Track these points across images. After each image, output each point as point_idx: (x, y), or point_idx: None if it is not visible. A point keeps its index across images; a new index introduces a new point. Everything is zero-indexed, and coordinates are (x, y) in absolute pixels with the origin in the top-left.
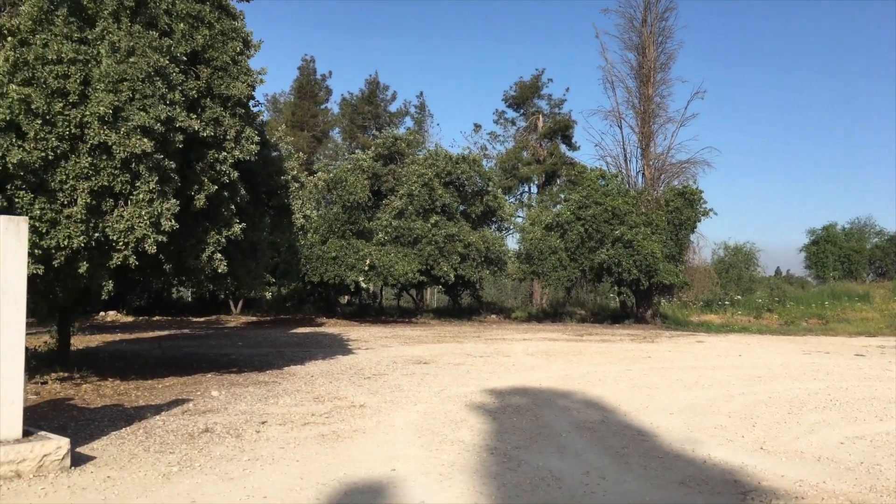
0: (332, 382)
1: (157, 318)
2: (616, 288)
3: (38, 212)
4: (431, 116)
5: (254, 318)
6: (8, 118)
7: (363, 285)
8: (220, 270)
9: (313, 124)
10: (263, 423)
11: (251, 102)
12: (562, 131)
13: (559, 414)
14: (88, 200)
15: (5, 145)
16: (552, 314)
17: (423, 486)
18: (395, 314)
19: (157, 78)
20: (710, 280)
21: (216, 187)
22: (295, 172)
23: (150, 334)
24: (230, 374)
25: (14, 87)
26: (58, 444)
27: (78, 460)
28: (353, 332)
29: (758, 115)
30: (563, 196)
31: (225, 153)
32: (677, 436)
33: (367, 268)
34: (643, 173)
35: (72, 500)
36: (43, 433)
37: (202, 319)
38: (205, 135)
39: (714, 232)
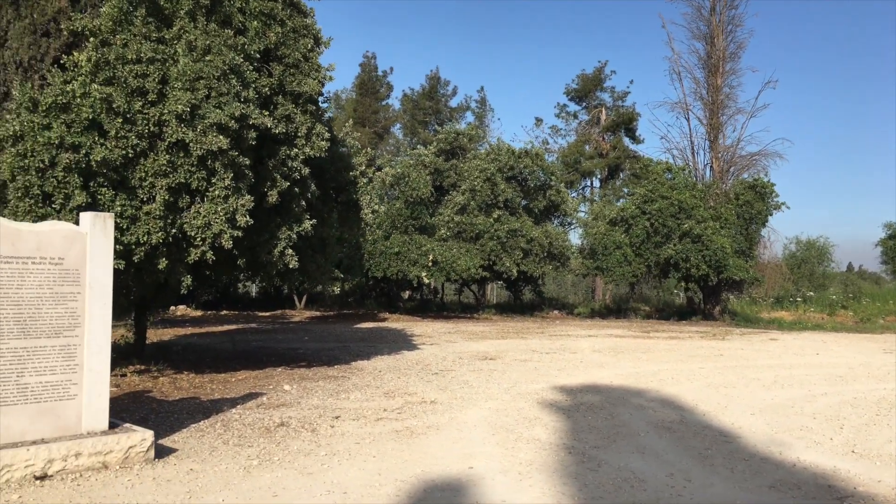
0: (400, 378)
1: (224, 312)
2: (683, 284)
3: (119, 208)
4: (492, 111)
5: (318, 313)
6: (91, 117)
7: (426, 280)
8: (291, 266)
9: (374, 121)
10: (337, 417)
11: (319, 99)
12: (625, 124)
13: (635, 413)
14: (166, 197)
15: (88, 143)
16: (616, 310)
17: (502, 485)
18: (456, 309)
19: (232, 76)
20: (782, 276)
21: (288, 184)
22: (363, 168)
23: (219, 328)
24: (300, 369)
25: (96, 86)
26: (142, 437)
27: (161, 452)
28: (417, 328)
29: (832, 105)
30: (626, 190)
31: (296, 150)
32: (761, 437)
33: (430, 263)
34: (711, 166)
35: (157, 492)
36: (128, 425)
37: (268, 314)
38: (277, 132)
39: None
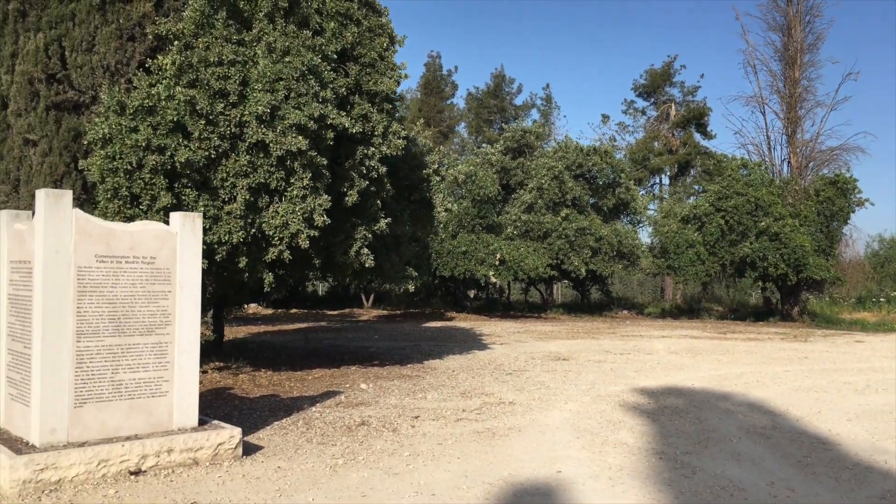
0: (474, 378)
1: (293, 310)
2: (760, 284)
3: (203, 208)
4: (558, 108)
5: (385, 312)
6: (175, 119)
7: (493, 280)
8: (367, 265)
9: (439, 120)
10: (416, 417)
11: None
12: (696, 119)
13: (723, 417)
14: (247, 197)
15: (173, 145)
16: (687, 310)
17: (593, 491)
18: (523, 309)
19: (311, 76)
20: (864, 275)
21: (367, 183)
22: (436, 166)
23: (290, 326)
24: (373, 367)
25: (180, 89)
26: (231, 434)
27: (247, 449)
28: (485, 327)
29: None
30: (697, 187)
31: (373, 149)
32: (863, 445)
33: (497, 262)
34: (789, 161)
35: (248, 489)
36: (216, 422)
37: (336, 312)
38: (354, 131)
39: (869, 223)
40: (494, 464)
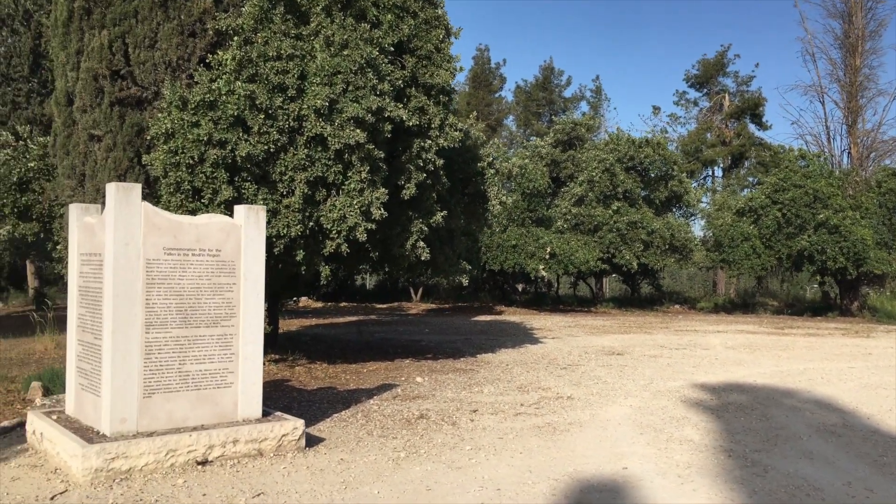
0: (529, 372)
1: (343, 304)
2: (818, 277)
3: (262, 202)
4: (608, 100)
5: (433, 305)
6: (235, 114)
7: (542, 274)
8: (423, 258)
9: (488, 113)
10: (475, 411)
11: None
12: (751, 110)
13: (790, 414)
14: (305, 190)
15: (234, 139)
16: (741, 305)
17: (662, 488)
18: (571, 303)
19: (369, 69)
20: None
21: (424, 175)
22: (490, 159)
23: (341, 319)
24: (427, 361)
25: (240, 84)
26: (294, 426)
27: (309, 441)
28: (534, 321)
29: None
30: (751, 179)
31: (429, 141)
32: None
33: (547, 256)
34: (849, 152)
35: (313, 481)
36: (278, 414)
37: (385, 306)
38: (410, 124)
39: None
40: (558, 459)
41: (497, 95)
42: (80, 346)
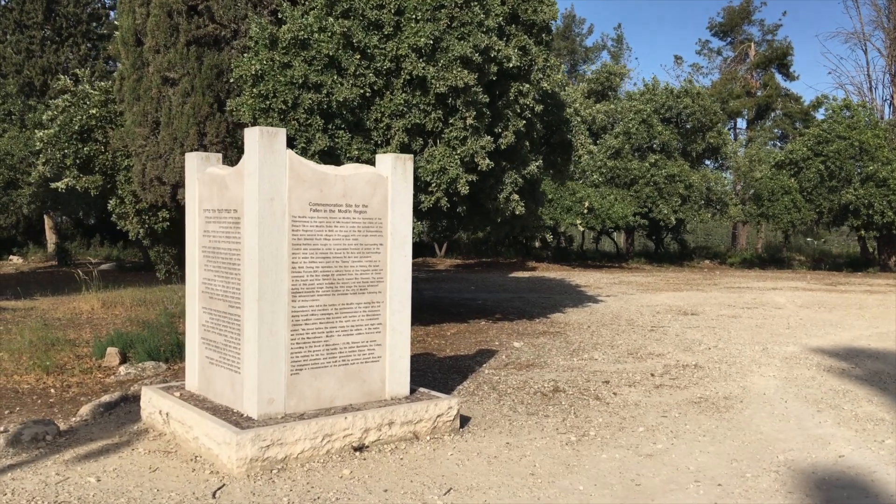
0: (620, 335)
1: None
2: (863, 232)
3: (356, 152)
4: (630, 49)
5: (458, 261)
6: (331, 53)
7: (580, 229)
8: (517, 212)
9: None
10: (606, 382)
11: None
12: (778, 59)
13: None
14: (403, 139)
15: (329, 82)
16: (769, 260)
17: None
18: (596, 258)
19: (475, 2)
20: None
21: (524, 122)
22: (577, 105)
23: None
24: (502, 322)
25: (333, 20)
26: (449, 404)
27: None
28: (574, 277)
29: None
30: (777, 131)
31: (528, 85)
32: None
33: (585, 210)
34: (891, 102)
35: (495, 472)
36: (423, 390)
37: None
38: (512, 65)
39: None
40: (752, 444)
41: None
42: (208, 315)
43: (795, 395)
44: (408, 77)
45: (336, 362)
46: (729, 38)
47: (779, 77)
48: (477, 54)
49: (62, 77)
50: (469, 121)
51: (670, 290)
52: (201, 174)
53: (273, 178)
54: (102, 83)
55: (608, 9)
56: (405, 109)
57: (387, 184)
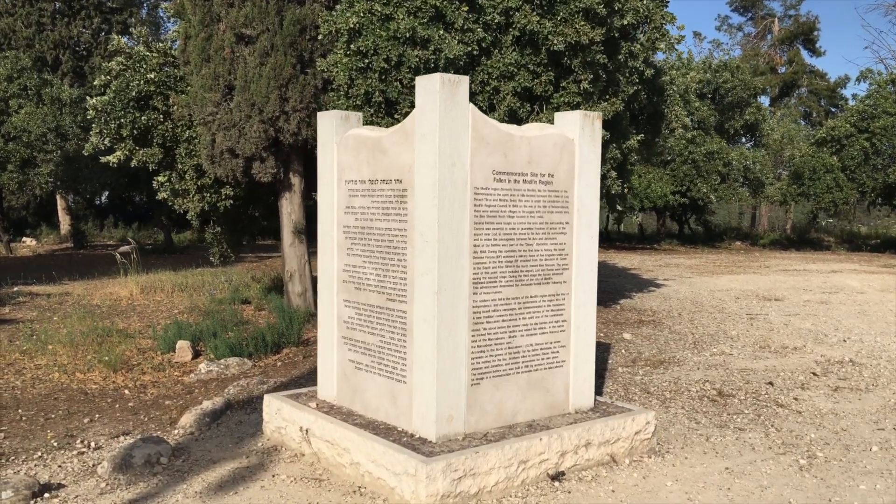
0: (722, 323)
1: None
2: None
3: None
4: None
5: None
6: (437, 4)
7: (619, 208)
8: (613, 191)
9: None
10: (770, 384)
11: None
12: (804, 35)
13: None
14: (514, 104)
15: (436, 38)
16: (798, 241)
17: None
18: (619, 239)
19: None
20: None
21: (634, 89)
22: (674, 72)
23: None
24: None
25: None
26: (646, 419)
27: None
28: (617, 259)
29: None
30: (802, 108)
31: (638, 46)
32: None
33: (625, 190)
34: None
35: None
36: (604, 399)
37: None
38: (627, 22)
39: None
40: None
41: None
42: (353, 311)
43: None
44: (517, 33)
45: (519, 368)
46: (750, 14)
47: (804, 53)
48: (602, 6)
49: (115, 37)
50: (584, 84)
51: (727, 274)
52: (341, 137)
53: (455, 139)
54: (160, 44)
55: None
56: (514, 70)
57: (574, 148)
